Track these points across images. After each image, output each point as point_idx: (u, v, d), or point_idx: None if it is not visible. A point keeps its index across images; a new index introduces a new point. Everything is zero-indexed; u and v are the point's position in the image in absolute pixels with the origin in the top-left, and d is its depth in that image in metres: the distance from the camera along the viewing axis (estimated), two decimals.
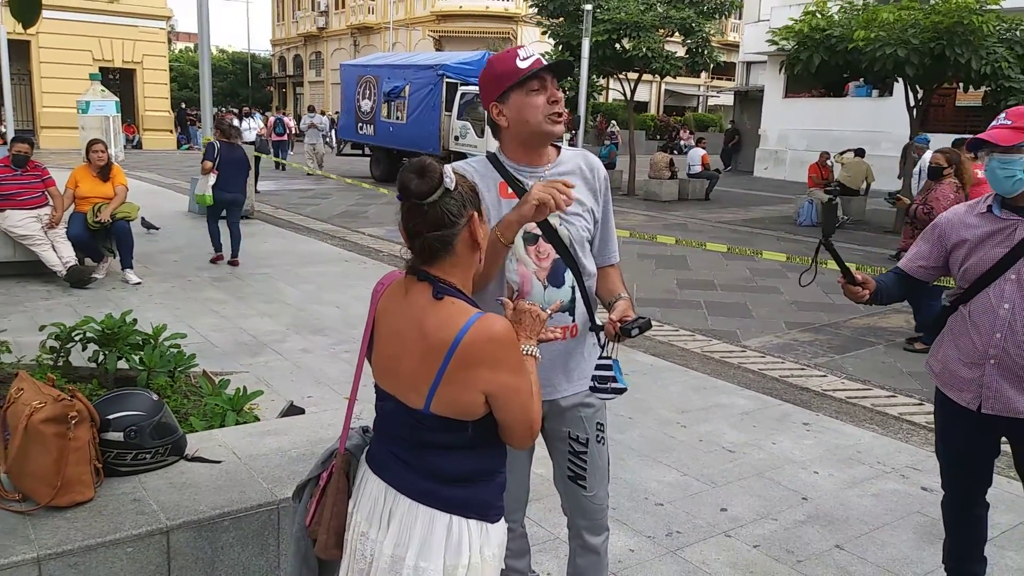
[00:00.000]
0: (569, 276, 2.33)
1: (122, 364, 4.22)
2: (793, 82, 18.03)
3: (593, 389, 2.35)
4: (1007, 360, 2.60)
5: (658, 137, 37.34)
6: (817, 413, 5.20)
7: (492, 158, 2.33)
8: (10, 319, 6.29)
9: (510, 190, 2.27)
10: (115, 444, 2.58)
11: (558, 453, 2.48)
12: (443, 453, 1.76)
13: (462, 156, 16.92)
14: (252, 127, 18.50)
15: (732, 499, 3.93)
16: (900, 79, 13.31)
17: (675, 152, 25.55)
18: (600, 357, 2.33)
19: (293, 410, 3.87)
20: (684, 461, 4.35)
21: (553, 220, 2.27)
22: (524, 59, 2.22)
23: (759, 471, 4.27)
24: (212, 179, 8.98)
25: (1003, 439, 2.77)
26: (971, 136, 2.71)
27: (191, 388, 4.21)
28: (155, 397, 2.78)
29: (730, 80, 40.58)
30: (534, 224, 2.23)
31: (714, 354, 6.48)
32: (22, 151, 7.67)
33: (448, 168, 1.73)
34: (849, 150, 16.07)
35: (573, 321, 2.36)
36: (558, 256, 2.31)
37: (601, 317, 2.41)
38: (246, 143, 14.22)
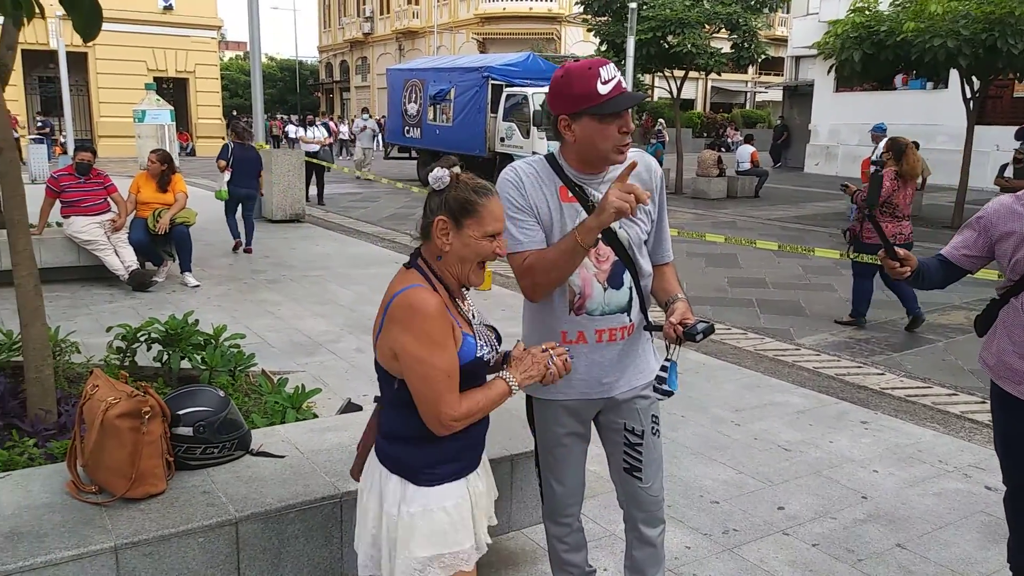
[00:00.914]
0: (627, 277, 2.35)
1: (185, 364, 4.35)
2: (843, 78, 17.73)
3: (652, 389, 2.39)
4: None
5: (704, 135, 36.95)
6: (875, 411, 5.11)
7: (552, 161, 2.34)
8: (76, 321, 6.52)
9: (570, 194, 2.29)
10: (185, 439, 2.68)
11: (613, 445, 2.50)
12: (386, 407, 2.00)
13: (508, 157, 17.08)
14: (316, 136, 16.65)
15: (789, 497, 3.89)
16: (954, 71, 12.99)
17: (722, 149, 25.26)
18: (663, 359, 2.35)
19: (351, 407, 3.94)
20: (739, 459, 4.32)
21: (613, 224, 2.28)
22: (605, 82, 2.15)
23: (816, 469, 4.22)
24: (227, 176, 9.91)
25: None
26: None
27: (251, 387, 4.31)
28: (221, 394, 2.87)
29: (778, 75, 39.98)
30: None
31: (767, 352, 6.40)
32: (86, 159, 7.94)
33: (444, 173, 1.89)
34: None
35: (630, 321, 2.38)
36: (617, 258, 2.33)
37: (657, 317, 2.43)
38: (309, 154, 13.87)
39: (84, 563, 2.25)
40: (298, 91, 53.61)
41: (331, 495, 2.65)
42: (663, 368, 2.33)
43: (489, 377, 2.00)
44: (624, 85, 2.20)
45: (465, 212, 1.89)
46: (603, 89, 2.15)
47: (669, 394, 2.31)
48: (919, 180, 7.24)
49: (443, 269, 1.95)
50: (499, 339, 2.12)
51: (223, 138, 31.48)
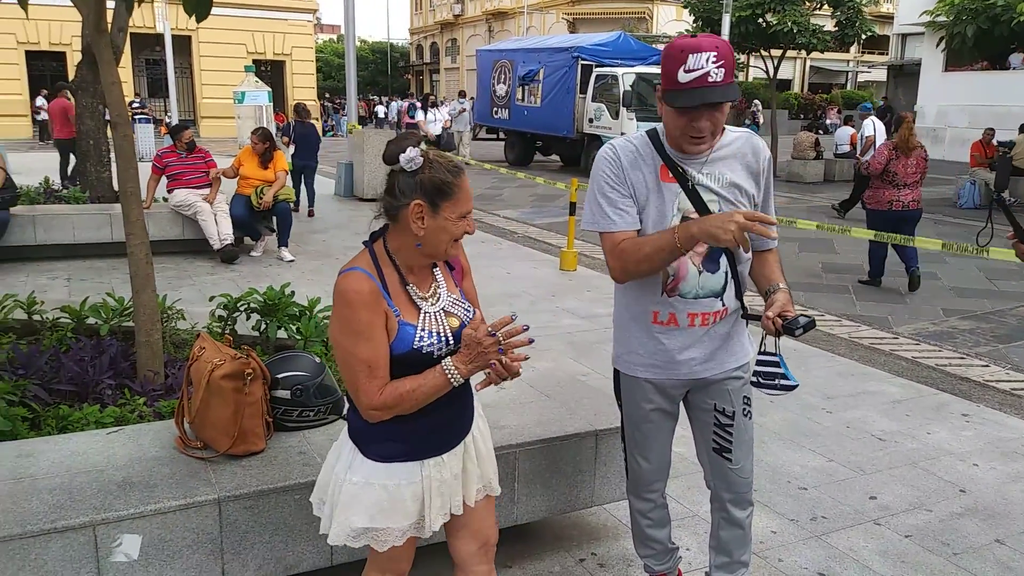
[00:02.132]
0: (724, 261, 2.31)
1: (281, 333, 4.52)
2: (953, 55, 16.84)
3: (757, 385, 2.33)
4: None
5: (801, 116, 35.76)
6: (978, 404, 4.90)
7: (653, 137, 2.30)
8: (181, 291, 6.86)
9: (671, 174, 2.25)
10: (283, 401, 2.80)
11: (702, 425, 2.49)
12: None
13: (596, 139, 16.95)
14: (437, 119, 15.42)
15: (882, 488, 3.78)
16: None
17: (820, 131, 24.40)
18: (761, 352, 2.31)
19: None
20: (829, 447, 4.22)
21: (713, 206, 2.24)
22: (689, 71, 2.06)
23: (912, 461, 4.09)
24: (291, 150, 11.61)
25: None
26: None
27: None
28: (317, 360, 2.99)
29: (882, 54, 38.27)
30: (692, 208, 2.23)
31: (863, 340, 6.21)
32: (189, 136, 8.41)
33: (415, 152, 1.80)
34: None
35: (723, 305, 2.34)
36: None
37: (755, 306, 2.39)
38: (434, 137, 13.33)
39: (190, 512, 2.40)
40: (389, 73, 54.43)
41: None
42: (771, 363, 2.28)
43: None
44: (715, 77, 2.05)
45: (441, 194, 1.83)
46: (684, 77, 2.07)
47: (791, 387, 2.28)
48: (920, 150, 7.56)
49: (406, 250, 1.90)
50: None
51: (317, 119, 32.46)
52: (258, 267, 8.13)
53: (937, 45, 14.19)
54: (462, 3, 48.07)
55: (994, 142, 14.38)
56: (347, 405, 2.02)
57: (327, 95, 38.45)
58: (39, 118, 23.90)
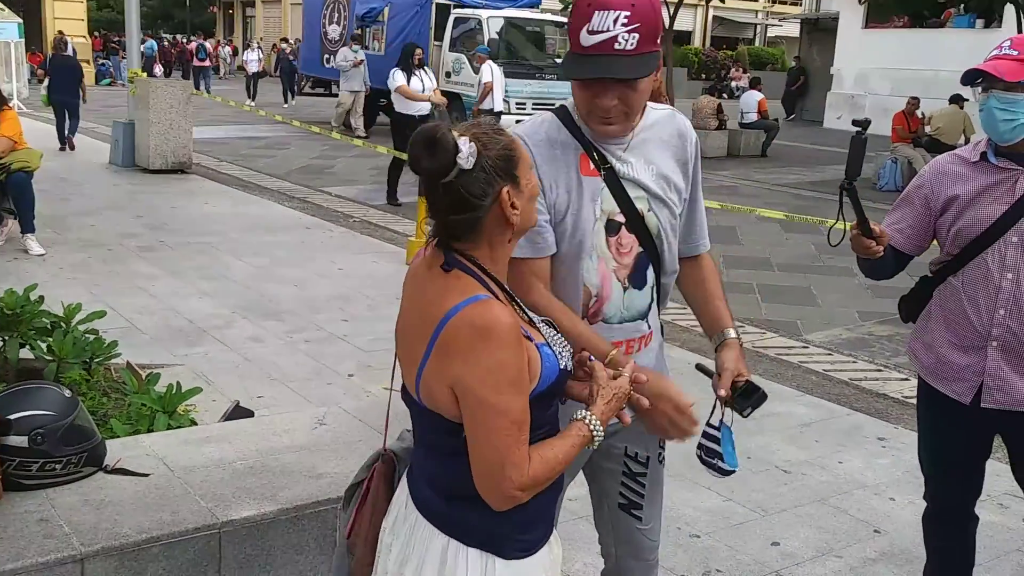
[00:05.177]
0: (651, 274, 2.29)
1: (26, 353, 4.26)
2: (876, 9, 17.96)
3: (700, 459, 2.34)
4: (1013, 342, 2.65)
5: (703, 76, 37.25)
6: (896, 426, 5.23)
7: (565, 117, 2.23)
8: None
9: (592, 165, 2.20)
10: (17, 451, 2.64)
11: (606, 476, 2.44)
12: (442, 458, 1.83)
13: (456, 98, 16.96)
14: (427, 86, 12.26)
15: (786, 531, 3.97)
16: (1011, 5, 13.25)
17: (724, 96, 25.49)
18: (708, 423, 2.31)
19: (239, 412, 3.91)
20: (728, 483, 4.36)
21: (641, 204, 2.22)
22: (593, 32, 2.04)
23: (821, 497, 4.31)
24: (46, 83, 15.16)
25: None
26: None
27: (112, 384, 4.25)
28: (67, 394, 2.85)
29: (796, 5, 40.43)
30: (618, 210, 2.21)
31: (769, 351, 6.51)
32: None
33: (466, 143, 1.72)
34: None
35: (648, 328, 2.33)
36: (642, 249, 2.25)
37: (709, 357, 2.40)
38: (422, 116, 11.77)
39: None
40: (188, 5, 52.58)
41: (207, 524, 2.63)
42: (713, 438, 2.30)
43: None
44: (623, 44, 2.02)
45: (513, 163, 1.80)
46: (586, 40, 2.04)
47: (726, 473, 2.32)
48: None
49: (503, 259, 1.85)
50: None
51: (88, 62, 30.91)
52: None
53: (860, 0, 15.07)
54: None
55: (919, 113, 15.46)
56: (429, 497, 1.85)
57: (102, 30, 36.70)
58: None
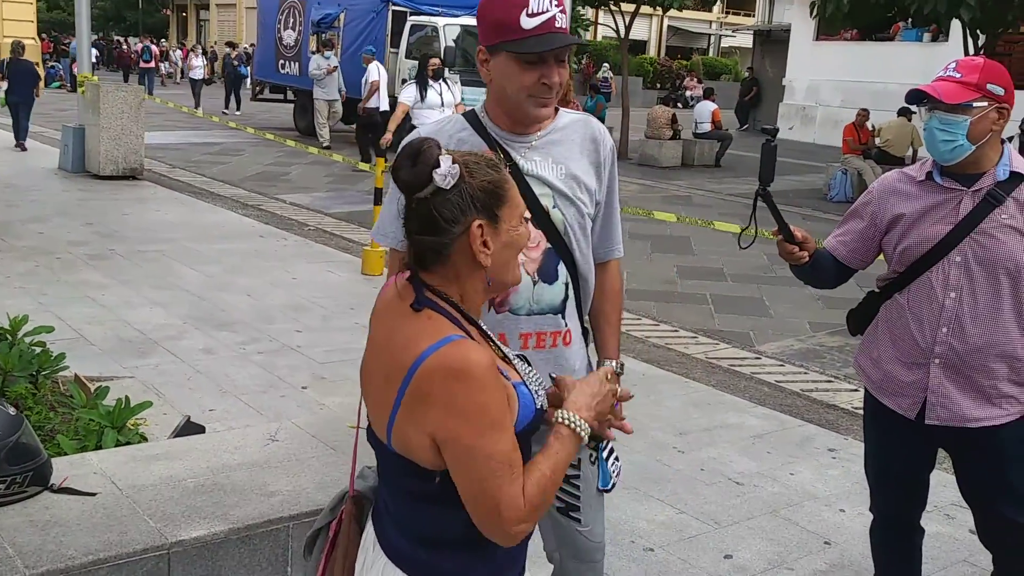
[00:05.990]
0: (563, 270, 2.36)
1: None
2: (827, 22, 18.22)
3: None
4: (955, 360, 2.72)
5: (658, 86, 37.58)
6: (846, 437, 5.30)
7: (472, 119, 2.33)
8: None
9: None
10: None
11: None
12: (414, 504, 1.75)
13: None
14: (446, 100, 11.34)
15: (738, 543, 4.00)
16: (957, 21, 13.53)
17: (679, 105, 25.71)
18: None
19: (190, 428, 3.86)
20: (681, 495, 4.42)
21: (546, 201, 2.30)
22: (533, 15, 2.17)
23: (773, 508, 4.35)
24: (4, 85, 15.54)
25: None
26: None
27: (59, 398, 4.17)
28: (12, 411, 2.79)
29: (749, 16, 40.95)
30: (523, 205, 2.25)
31: (721, 361, 6.57)
32: None
33: (448, 161, 1.67)
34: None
35: (565, 326, 2.38)
36: (550, 245, 2.33)
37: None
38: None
39: None
40: (140, 6, 51.93)
41: (156, 545, 2.59)
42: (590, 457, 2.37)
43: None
44: (561, 23, 2.20)
45: (497, 199, 1.72)
46: (528, 23, 2.16)
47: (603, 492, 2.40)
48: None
49: (473, 294, 1.77)
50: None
51: (38, 64, 30.40)
52: None
53: (811, 14, 15.28)
54: None
55: (868, 125, 15.71)
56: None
57: (52, 32, 36.10)
58: None
